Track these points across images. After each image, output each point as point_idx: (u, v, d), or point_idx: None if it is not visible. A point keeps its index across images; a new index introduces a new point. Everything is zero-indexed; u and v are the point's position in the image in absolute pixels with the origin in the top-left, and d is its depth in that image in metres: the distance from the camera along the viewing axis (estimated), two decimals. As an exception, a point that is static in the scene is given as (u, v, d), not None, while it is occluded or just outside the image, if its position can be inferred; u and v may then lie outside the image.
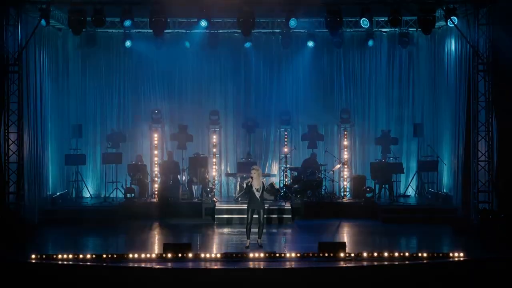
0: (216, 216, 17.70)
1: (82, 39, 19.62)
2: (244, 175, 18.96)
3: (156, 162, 20.18)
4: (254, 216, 14.07)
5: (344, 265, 12.64)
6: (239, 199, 18.75)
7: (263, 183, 14.09)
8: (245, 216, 14.31)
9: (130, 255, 12.98)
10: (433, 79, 20.25)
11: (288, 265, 12.63)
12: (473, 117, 16.83)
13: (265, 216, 14.42)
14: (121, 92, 20.82)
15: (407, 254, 13.07)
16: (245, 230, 14.22)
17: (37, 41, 17.81)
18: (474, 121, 16.78)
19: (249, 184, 13.99)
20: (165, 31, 18.39)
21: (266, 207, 14.56)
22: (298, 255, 13.09)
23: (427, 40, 20.28)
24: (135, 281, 12.28)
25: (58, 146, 19.68)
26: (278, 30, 19.94)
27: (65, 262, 12.75)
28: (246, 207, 14.27)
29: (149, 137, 20.43)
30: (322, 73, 20.89)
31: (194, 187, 19.71)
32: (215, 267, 12.46)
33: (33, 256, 12.88)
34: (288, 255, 13.10)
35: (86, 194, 20.16)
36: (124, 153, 20.19)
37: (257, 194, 13.95)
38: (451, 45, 18.97)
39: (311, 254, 13.08)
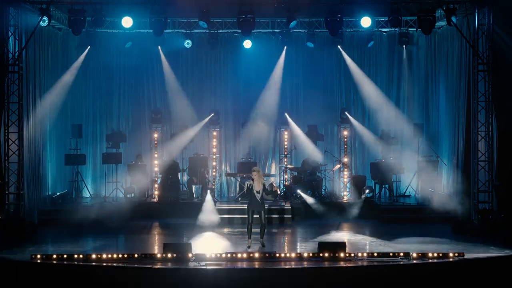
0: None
1: (82, 39, 19.61)
2: (245, 175, 18.97)
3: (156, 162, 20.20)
4: (254, 216, 14.10)
5: (344, 265, 12.64)
6: (239, 199, 18.75)
7: (263, 185, 14.09)
8: (245, 216, 14.35)
9: (130, 255, 12.98)
10: (433, 79, 20.24)
11: (288, 265, 12.63)
12: (473, 117, 16.83)
13: (266, 216, 14.44)
14: (121, 92, 20.83)
15: (407, 254, 13.06)
16: (246, 230, 14.25)
17: (37, 41, 17.83)
18: (474, 121, 16.78)
19: (249, 186, 14.01)
20: (165, 31, 18.40)
21: (266, 207, 14.57)
22: (298, 255, 13.09)
23: (427, 40, 20.28)
24: (135, 281, 12.27)
25: (58, 146, 19.68)
26: (278, 30, 19.94)
27: (65, 262, 12.75)
28: (246, 207, 14.30)
29: (149, 137, 20.42)
30: (322, 73, 20.87)
31: (194, 187, 19.71)
32: (215, 267, 12.46)
33: (33, 256, 12.88)
34: (288, 255, 13.10)
35: (86, 194, 20.16)
36: (124, 153, 20.20)
37: (258, 196, 13.96)
38: (451, 45, 18.98)
39: (311, 254, 13.08)
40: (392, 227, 16.81)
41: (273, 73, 20.74)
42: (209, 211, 17.50)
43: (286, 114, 20.46)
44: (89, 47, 19.78)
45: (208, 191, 18.48)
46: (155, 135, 20.39)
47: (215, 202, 18.37)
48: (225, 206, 18.11)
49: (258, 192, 13.97)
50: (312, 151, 19.73)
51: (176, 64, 20.63)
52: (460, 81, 18.16)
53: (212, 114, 20.26)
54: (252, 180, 14.03)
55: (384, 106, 20.79)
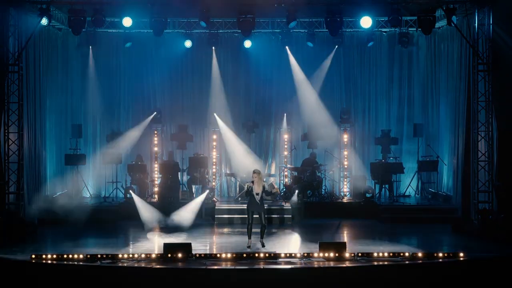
0: (216, 216, 17.69)
1: (82, 39, 19.61)
2: (245, 175, 18.96)
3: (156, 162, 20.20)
4: (254, 216, 14.10)
5: (344, 265, 12.64)
6: (239, 199, 18.74)
7: (263, 187, 14.07)
8: (245, 216, 14.35)
9: (130, 255, 12.98)
10: (433, 79, 20.25)
11: (288, 265, 12.63)
12: (473, 117, 16.84)
13: (266, 216, 14.43)
14: (121, 92, 20.83)
15: (407, 254, 13.07)
16: (246, 230, 14.24)
17: (37, 41, 17.83)
18: (474, 121, 16.79)
19: (249, 188, 14.02)
20: (165, 31, 18.42)
21: (266, 207, 14.56)
22: (298, 255, 13.08)
23: (427, 40, 20.28)
24: (135, 281, 12.27)
25: (58, 146, 19.70)
26: (278, 30, 19.94)
27: (65, 262, 12.75)
28: (246, 208, 14.29)
29: (149, 137, 20.40)
30: (322, 73, 20.84)
31: (194, 187, 19.71)
32: (215, 267, 12.45)
33: (33, 256, 12.88)
34: (288, 255, 13.09)
35: (86, 194, 20.15)
36: (124, 153, 20.20)
37: (257, 198, 13.96)
38: (451, 45, 18.99)
39: (311, 254, 13.08)
40: (392, 227, 16.80)
41: (273, 73, 20.77)
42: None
43: (285, 114, 20.47)
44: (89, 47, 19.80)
45: (207, 191, 18.49)
46: (155, 135, 20.38)
47: (214, 202, 18.40)
48: (225, 206, 18.11)
49: (257, 194, 13.96)
50: None
51: (176, 64, 20.63)
52: (460, 81, 18.16)
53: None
54: (252, 182, 14.03)
55: (384, 106, 20.85)
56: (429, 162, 19.59)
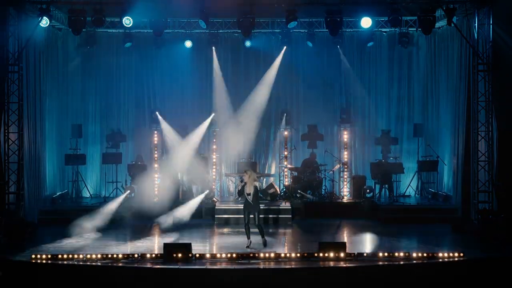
0: (216, 216, 17.70)
1: (82, 39, 19.61)
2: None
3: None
4: (251, 216, 14.11)
5: (344, 265, 12.64)
6: (239, 199, 18.74)
7: (255, 187, 14.04)
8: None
9: (130, 255, 12.98)
10: (433, 79, 20.25)
11: (288, 265, 12.63)
12: (473, 117, 16.84)
13: (260, 216, 14.39)
14: (121, 92, 20.81)
15: (406, 254, 13.07)
16: (244, 230, 14.25)
17: (37, 41, 17.81)
18: (474, 121, 16.79)
19: (240, 188, 14.06)
20: (165, 31, 18.41)
21: (262, 207, 14.53)
22: (298, 255, 13.09)
23: (427, 40, 20.28)
24: (135, 281, 12.28)
25: (58, 146, 19.69)
26: (278, 30, 19.93)
27: (65, 262, 12.76)
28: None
29: (149, 137, 20.39)
30: (322, 73, 20.85)
31: (194, 187, 19.70)
32: (215, 267, 12.46)
33: (33, 256, 12.89)
34: (288, 255, 13.10)
35: (86, 194, 20.15)
36: (124, 153, 20.20)
37: (249, 198, 13.96)
38: (451, 45, 18.98)
39: (311, 254, 13.08)
40: (392, 227, 16.80)
41: (273, 73, 20.75)
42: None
43: (285, 114, 20.46)
44: (89, 47, 19.81)
45: (207, 191, 18.48)
46: (155, 135, 20.37)
47: (214, 202, 18.40)
48: (225, 206, 18.11)
49: (249, 195, 13.96)
50: None
51: (176, 64, 20.62)
52: (460, 81, 18.15)
53: (213, 115, 20.16)
54: (242, 181, 14.06)
55: (384, 106, 20.85)
56: (429, 162, 19.59)
